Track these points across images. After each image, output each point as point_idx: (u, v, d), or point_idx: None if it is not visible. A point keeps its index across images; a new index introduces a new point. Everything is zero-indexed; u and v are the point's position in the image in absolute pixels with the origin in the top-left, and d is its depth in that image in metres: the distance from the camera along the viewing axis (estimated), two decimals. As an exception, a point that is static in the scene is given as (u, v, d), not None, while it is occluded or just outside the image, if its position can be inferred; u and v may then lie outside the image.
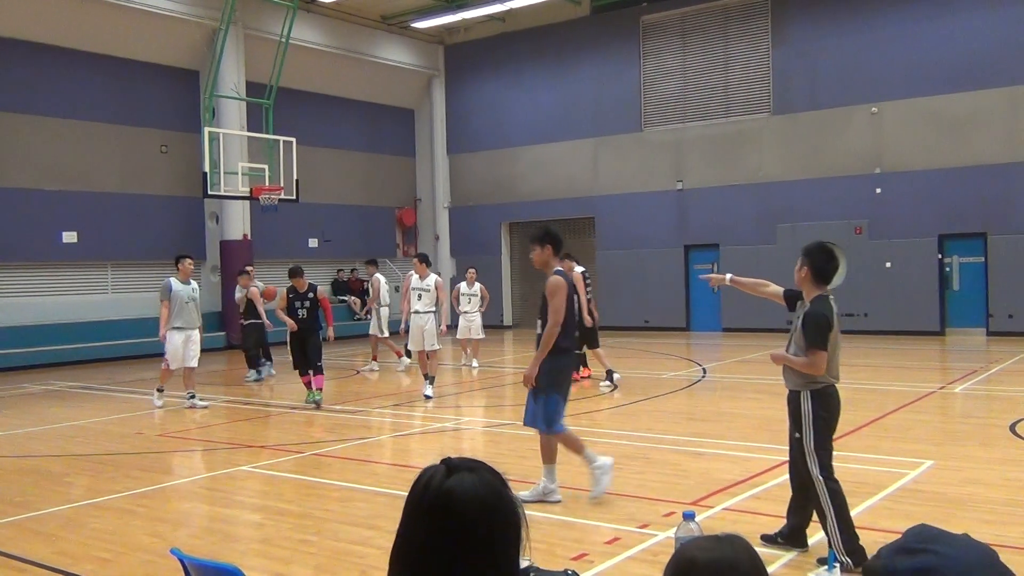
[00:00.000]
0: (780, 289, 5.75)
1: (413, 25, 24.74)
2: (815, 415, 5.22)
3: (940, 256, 19.64)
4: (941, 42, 19.32)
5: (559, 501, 6.59)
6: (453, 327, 16.65)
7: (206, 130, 18.35)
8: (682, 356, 17.45)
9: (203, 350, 12.66)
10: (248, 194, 19.03)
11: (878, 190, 20.01)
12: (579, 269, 12.81)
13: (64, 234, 19.10)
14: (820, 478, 5.19)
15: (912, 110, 19.66)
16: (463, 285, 16.17)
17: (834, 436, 5.40)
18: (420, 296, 12.79)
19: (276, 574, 5.25)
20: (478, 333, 15.95)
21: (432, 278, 12.94)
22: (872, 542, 5.51)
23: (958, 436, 9.25)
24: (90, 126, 19.68)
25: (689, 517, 3.02)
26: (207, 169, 17.97)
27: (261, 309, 15.02)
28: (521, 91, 25.13)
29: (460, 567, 1.61)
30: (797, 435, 5.31)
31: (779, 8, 21.26)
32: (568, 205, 24.32)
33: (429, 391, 12.16)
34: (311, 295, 12.08)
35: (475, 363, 15.90)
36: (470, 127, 26.24)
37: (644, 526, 5.97)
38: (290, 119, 21.38)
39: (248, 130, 20.54)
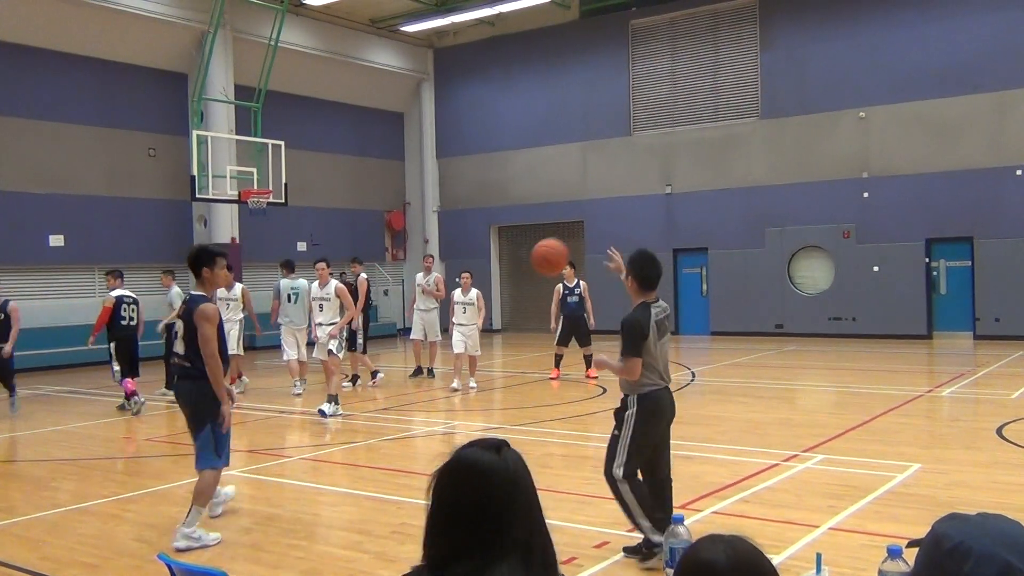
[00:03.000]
0: None
1: (402, 29, 24.73)
2: (637, 419, 5.33)
3: (927, 260, 19.74)
4: (928, 47, 19.44)
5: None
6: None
7: (194, 133, 18.30)
8: (670, 360, 17.47)
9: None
10: (236, 197, 18.98)
11: (866, 194, 20.10)
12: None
13: (51, 237, 18.99)
14: (619, 478, 5.31)
15: (899, 115, 19.77)
16: (457, 292, 13.79)
17: (665, 441, 5.56)
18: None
19: (264, 579, 5.22)
20: (475, 349, 13.63)
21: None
22: (859, 545, 5.54)
23: (945, 439, 9.29)
24: (77, 129, 19.58)
25: (678, 521, 3.03)
26: (195, 172, 17.92)
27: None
28: (510, 95, 25.15)
29: (489, 536, 1.72)
30: (616, 432, 5.43)
31: (767, 13, 21.35)
32: (557, 209, 24.34)
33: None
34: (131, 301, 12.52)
35: (472, 383, 13.55)
36: (459, 131, 26.24)
37: (633, 530, 5.96)
38: (279, 122, 21.33)
39: (237, 133, 20.47)
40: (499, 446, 1.82)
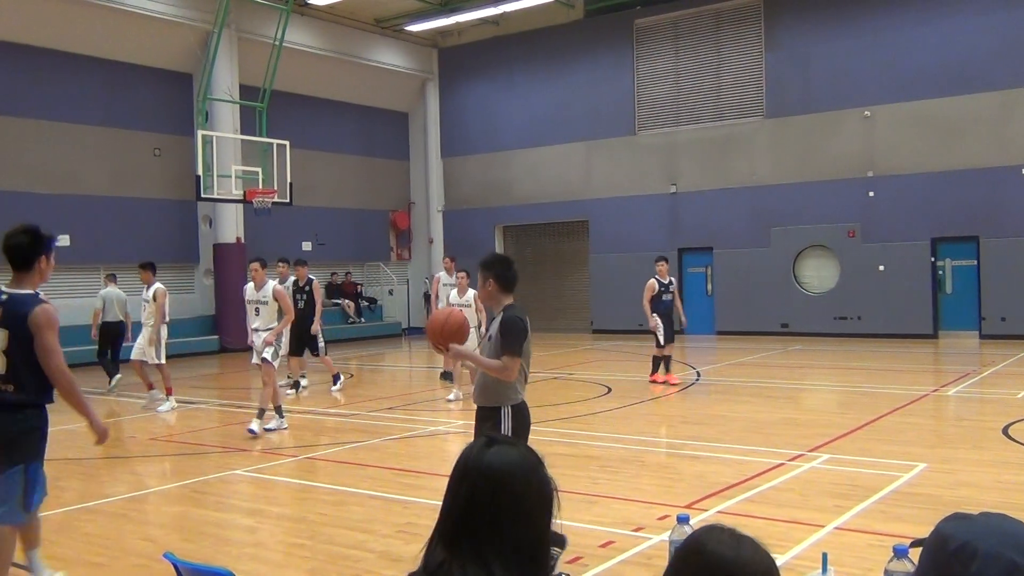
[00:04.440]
0: None
1: (407, 28, 24.74)
2: (514, 432, 5.01)
3: (933, 259, 19.70)
4: (933, 46, 19.39)
5: None
6: None
7: (199, 133, 18.33)
8: (676, 359, 17.45)
9: (195, 354, 12.70)
10: (242, 197, 19.01)
11: (871, 193, 20.07)
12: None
13: (57, 237, 19.02)
14: None
15: (904, 114, 19.73)
16: (453, 293, 13.15)
17: None
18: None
19: (270, 578, 5.23)
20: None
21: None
22: (865, 545, 5.53)
23: (951, 439, 9.27)
24: (82, 129, 19.63)
25: (683, 520, 3.02)
26: (200, 172, 17.95)
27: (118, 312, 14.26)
28: (515, 94, 25.14)
29: (496, 533, 1.72)
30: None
31: (772, 12, 21.32)
32: (561, 208, 24.33)
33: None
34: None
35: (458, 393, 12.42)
36: (464, 130, 26.24)
37: (638, 529, 5.97)
38: (284, 122, 21.35)
39: (242, 133, 20.52)
40: (491, 442, 1.83)
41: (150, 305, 12.26)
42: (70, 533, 6.44)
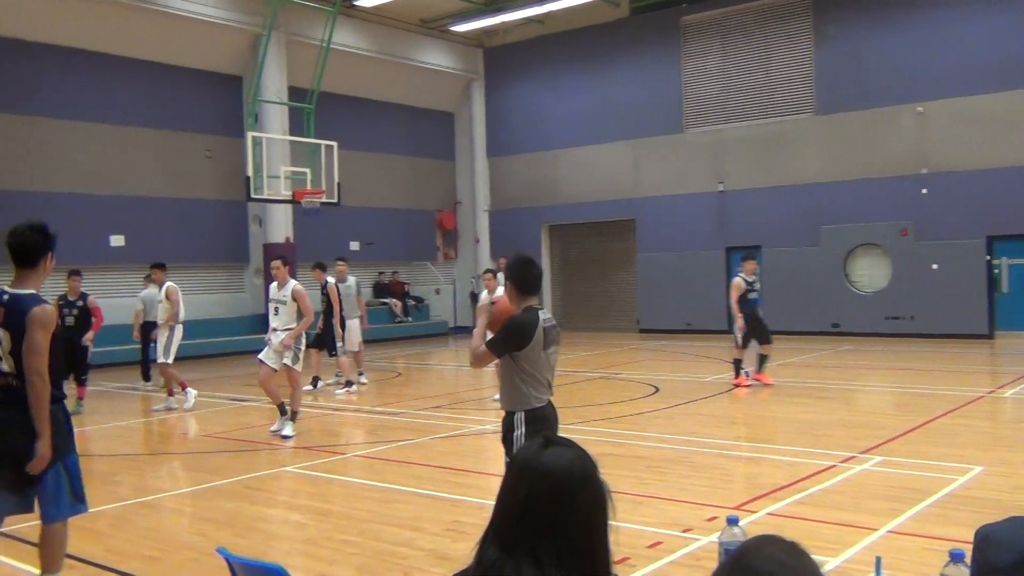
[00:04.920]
0: None
1: (452, 28, 24.84)
2: (528, 438, 4.79)
3: (988, 257, 19.26)
4: (989, 39, 18.95)
5: None
6: None
7: (249, 135, 18.58)
8: (724, 359, 17.30)
9: (245, 352, 12.85)
10: (291, 198, 19.23)
11: (924, 191, 19.68)
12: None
13: (112, 237, 19.48)
14: None
15: (959, 109, 19.31)
16: (484, 293, 12.59)
17: None
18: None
19: (319, 574, 5.29)
20: None
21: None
22: (920, 549, 5.43)
23: (1008, 442, 9.06)
24: (137, 131, 20.04)
25: (733, 522, 2.99)
26: (250, 173, 18.20)
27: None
28: (561, 93, 25.11)
29: (551, 535, 1.72)
30: (507, 460, 4.93)
31: (822, 7, 21.00)
32: (608, 207, 24.25)
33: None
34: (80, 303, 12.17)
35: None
36: (510, 130, 26.27)
37: (687, 530, 5.93)
38: (331, 123, 21.56)
39: (290, 134, 20.76)
40: (547, 443, 1.83)
41: (164, 304, 12.36)
42: (125, 527, 6.57)
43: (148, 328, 14.72)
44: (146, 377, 15.03)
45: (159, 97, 20.43)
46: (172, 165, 20.68)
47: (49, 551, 4.81)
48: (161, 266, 12.72)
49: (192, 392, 12.38)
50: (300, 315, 10.13)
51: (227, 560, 2.98)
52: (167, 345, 12.23)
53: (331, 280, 13.94)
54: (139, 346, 14.95)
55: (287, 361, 9.98)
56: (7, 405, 4.68)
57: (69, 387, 11.69)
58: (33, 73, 18.44)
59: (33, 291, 4.67)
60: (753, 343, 13.14)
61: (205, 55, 20.93)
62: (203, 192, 21.23)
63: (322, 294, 13.93)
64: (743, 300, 12.93)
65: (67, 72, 18.87)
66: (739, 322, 12.89)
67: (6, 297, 4.66)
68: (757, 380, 12.95)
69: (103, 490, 7.76)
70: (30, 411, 4.55)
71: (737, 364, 13.14)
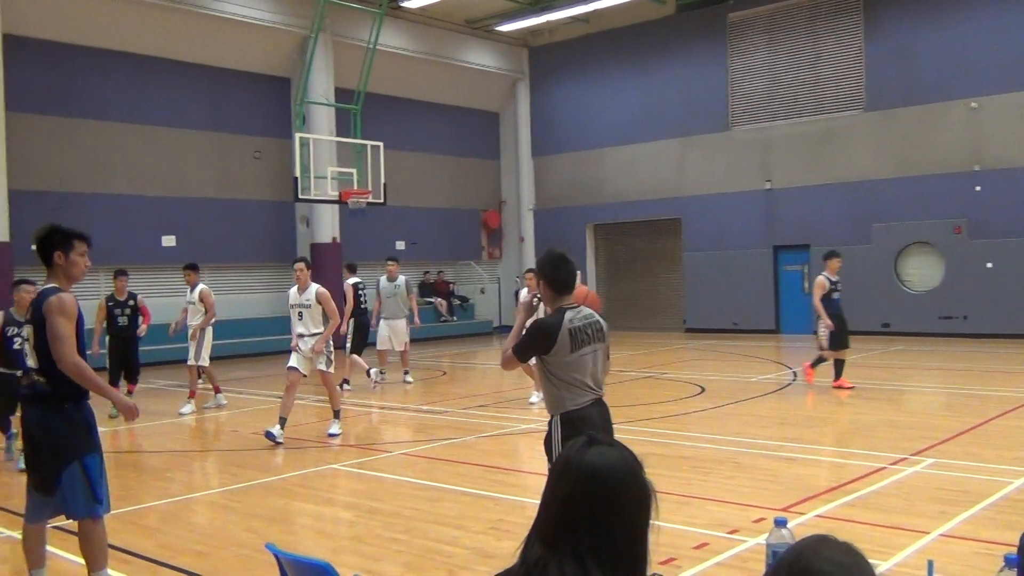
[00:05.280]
0: None
1: (497, 28, 24.87)
2: (563, 445, 4.61)
3: (1046, 256, 18.79)
4: (1046, 33, 18.49)
5: None
6: None
7: (297, 136, 18.79)
8: (771, 359, 17.12)
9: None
10: (337, 198, 19.41)
11: (978, 188, 19.26)
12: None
13: (163, 238, 19.85)
14: None
15: (1014, 104, 18.85)
16: (523, 293, 13.54)
17: None
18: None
19: (367, 571, 5.33)
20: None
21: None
22: (972, 553, 5.33)
23: (1066, 444, 8.83)
24: (188, 134, 20.41)
25: (781, 524, 2.95)
26: (298, 174, 18.41)
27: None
28: (606, 92, 25.02)
29: (594, 533, 1.71)
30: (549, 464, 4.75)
31: (872, 1, 20.66)
32: (654, 206, 24.11)
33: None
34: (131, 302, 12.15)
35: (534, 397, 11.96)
36: (555, 129, 26.25)
37: (734, 532, 5.88)
38: (377, 123, 21.74)
39: (337, 135, 20.97)
40: (591, 442, 1.83)
41: (196, 306, 12.34)
42: (176, 523, 6.70)
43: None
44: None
45: (209, 99, 20.79)
46: (222, 166, 21.02)
47: (86, 549, 4.79)
48: (194, 267, 12.60)
49: (191, 406, 12.28)
50: (325, 318, 9.86)
51: (276, 556, 3.02)
52: (198, 348, 12.38)
53: (349, 281, 14.47)
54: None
55: (320, 366, 9.81)
56: (31, 402, 4.77)
57: (120, 385, 11.95)
58: (88, 77, 18.87)
59: (54, 285, 4.74)
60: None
61: (254, 57, 21.24)
62: (252, 193, 21.55)
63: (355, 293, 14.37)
64: (827, 299, 12.55)
65: (121, 76, 19.29)
66: (826, 320, 12.40)
67: (36, 296, 4.84)
68: (840, 387, 12.39)
69: (154, 486, 7.91)
70: (53, 409, 4.67)
71: (839, 365, 12.56)
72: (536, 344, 4.60)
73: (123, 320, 12.23)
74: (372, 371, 14.26)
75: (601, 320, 4.77)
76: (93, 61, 18.88)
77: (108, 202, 18.72)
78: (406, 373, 14.72)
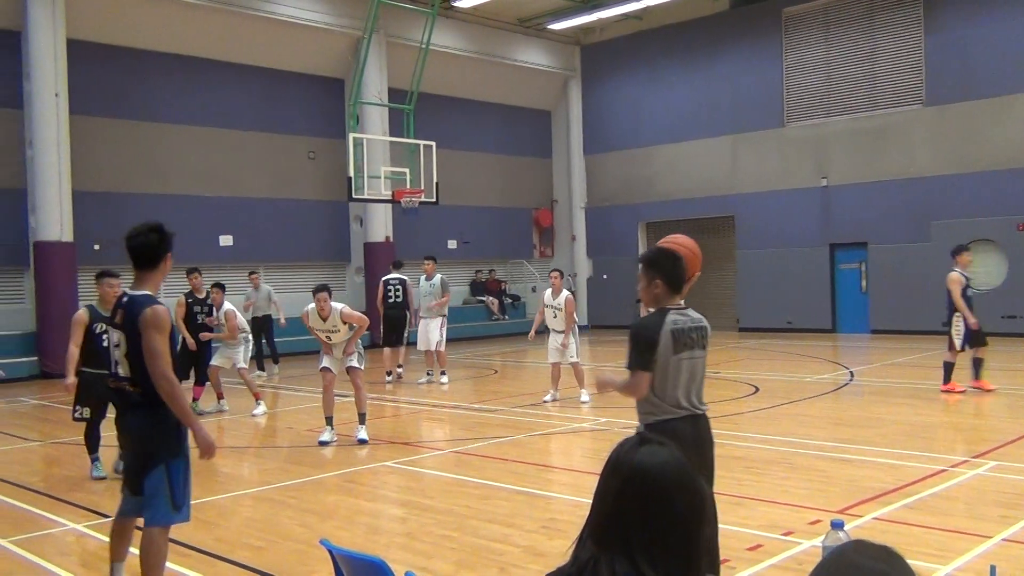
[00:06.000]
0: None
1: (549, 27, 24.85)
2: None
3: (1115, 253, 18.21)
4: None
5: None
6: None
7: (351, 136, 18.98)
8: (827, 359, 16.85)
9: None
10: (390, 197, 19.57)
11: (1043, 183, 18.74)
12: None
13: (221, 237, 20.22)
14: None
15: (1082, 97, 18.31)
16: (547, 294, 12.32)
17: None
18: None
19: (419, 568, 5.37)
20: (574, 356, 12.09)
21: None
22: (1038, 559, 5.19)
23: None
24: (243, 135, 20.77)
25: (838, 526, 2.91)
26: (352, 174, 18.60)
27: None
28: (658, 89, 24.85)
29: (645, 532, 1.72)
30: None
31: (932, -6, 20.22)
32: (706, 204, 23.88)
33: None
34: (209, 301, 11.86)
35: (585, 396, 12.11)
36: (606, 127, 26.15)
37: (788, 533, 5.81)
38: (430, 123, 21.87)
39: (390, 135, 21.15)
40: (643, 441, 1.83)
41: (226, 325, 11.92)
42: (232, 517, 6.82)
43: (258, 323, 16.20)
44: (260, 367, 16.24)
45: (265, 101, 21.13)
46: (277, 167, 21.34)
47: (145, 559, 4.68)
48: (220, 287, 12.29)
49: (225, 401, 12.32)
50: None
51: (330, 552, 3.06)
52: (243, 356, 12.25)
53: (384, 276, 15.13)
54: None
55: (353, 362, 9.70)
56: (123, 409, 4.80)
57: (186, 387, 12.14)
58: (147, 80, 19.30)
59: (149, 292, 4.69)
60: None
61: (308, 59, 21.53)
62: (306, 193, 21.84)
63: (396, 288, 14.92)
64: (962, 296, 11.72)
65: (179, 78, 19.70)
66: (971, 319, 11.67)
67: (125, 299, 4.73)
68: (949, 391, 11.83)
69: (212, 481, 8.06)
70: (146, 412, 4.65)
71: (976, 364, 11.88)
72: (643, 347, 4.19)
73: (202, 318, 11.94)
74: (390, 375, 14.87)
75: (707, 326, 4.47)
76: (152, 64, 19.30)
77: (166, 202, 19.11)
78: (442, 374, 14.73)
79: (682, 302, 4.40)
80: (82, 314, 8.09)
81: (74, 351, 7.93)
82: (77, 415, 8.11)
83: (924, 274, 20.03)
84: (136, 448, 4.74)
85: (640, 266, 4.42)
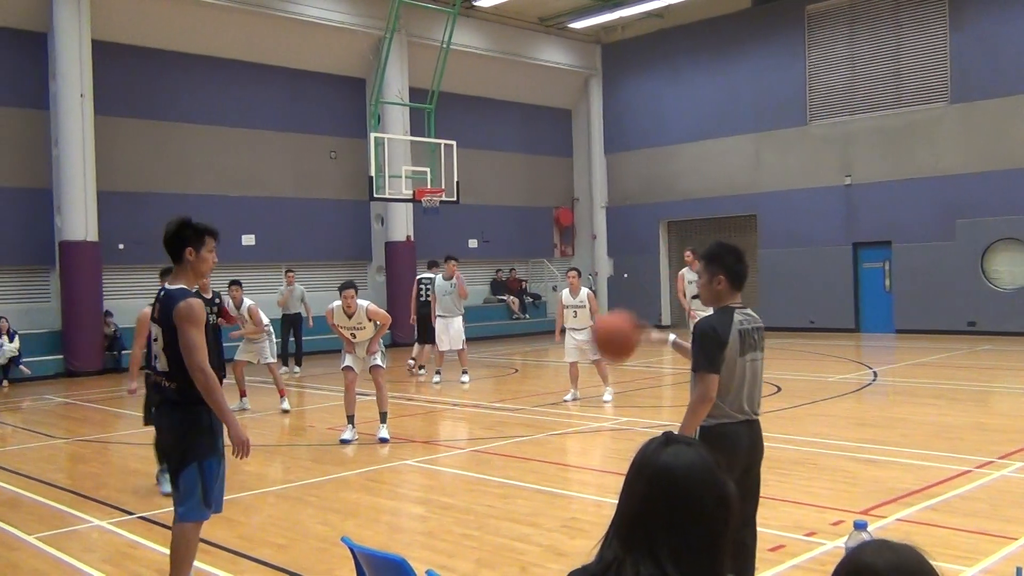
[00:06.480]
0: None
1: (570, 25, 24.81)
2: None
3: None
4: None
5: None
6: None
7: (372, 135, 19.05)
8: (850, 358, 16.72)
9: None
10: (411, 197, 19.62)
11: (1071, 181, 18.50)
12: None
13: (244, 237, 20.34)
14: None
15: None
16: (565, 294, 12.30)
17: (748, 492, 4.14)
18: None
19: (439, 566, 5.37)
20: (595, 354, 11.68)
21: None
22: (1066, 561, 5.12)
23: None
24: (266, 135, 20.89)
25: (861, 527, 2.88)
26: (373, 173, 18.67)
27: None
28: (679, 88, 24.75)
29: (670, 533, 1.71)
30: None
31: (958, -10, 20.02)
32: (728, 203, 23.77)
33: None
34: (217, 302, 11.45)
35: (607, 395, 12.03)
36: (627, 125, 26.07)
37: (811, 534, 5.77)
38: (451, 122, 21.91)
39: (411, 134, 21.20)
40: (669, 441, 1.82)
41: (249, 323, 11.91)
42: (255, 515, 6.86)
43: (290, 320, 16.76)
44: (286, 363, 16.54)
45: (287, 101, 21.25)
46: (299, 166, 21.46)
47: (175, 554, 4.71)
48: (237, 284, 12.32)
49: (247, 400, 12.36)
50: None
51: (351, 550, 3.07)
52: (271, 347, 12.46)
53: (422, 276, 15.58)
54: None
55: (377, 361, 9.70)
56: (162, 404, 4.81)
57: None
58: (171, 81, 19.45)
59: (183, 286, 4.69)
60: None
61: (330, 59, 21.62)
62: (328, 192, 21.94)
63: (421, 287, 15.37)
64: None
65: (202, 79, 19.85)
66: None
67: (162, 293, 4.76)
68: None
69: (234, 479, 8.08)
70: (183, 411, 4.64)
71: None
72: (711, 348, 3.99)
73: (212, 319, 12.15)
74: (411, 362, 15.65)
75: (762, 326, 4.27)
76: (175, 65, 19.46)
77: (189, 202, 19.23)
78: (463, 373, 14.77)
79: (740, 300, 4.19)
80: (147, 312, 7.94)
81: (137, 353, 7.79)
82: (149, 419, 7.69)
83: (949, 273, 19.87)
84: (172, 445, 4.77)
85: (701, 262, 4.22)
